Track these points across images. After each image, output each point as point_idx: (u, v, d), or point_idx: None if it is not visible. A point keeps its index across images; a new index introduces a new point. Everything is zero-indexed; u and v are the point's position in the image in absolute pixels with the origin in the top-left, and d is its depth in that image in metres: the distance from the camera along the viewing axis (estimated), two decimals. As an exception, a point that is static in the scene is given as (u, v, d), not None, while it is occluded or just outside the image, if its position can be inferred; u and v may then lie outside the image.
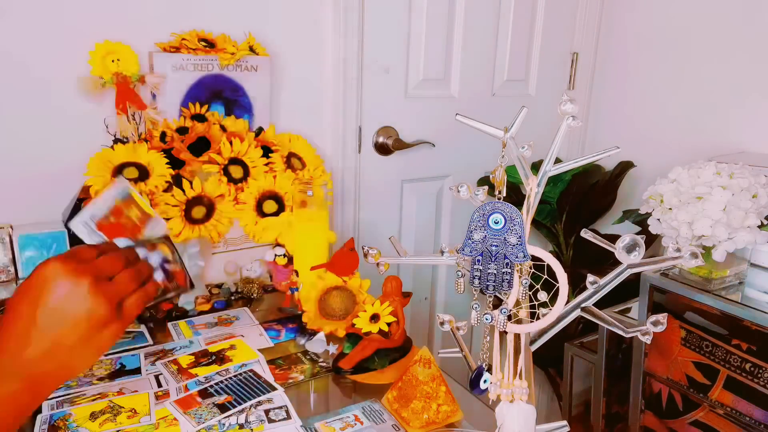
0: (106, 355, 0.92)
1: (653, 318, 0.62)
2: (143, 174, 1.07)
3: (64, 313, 0.55)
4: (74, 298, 0.55)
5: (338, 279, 1.02)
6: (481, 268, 0.60)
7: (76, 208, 1.08)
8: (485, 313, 0.62)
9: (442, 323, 0.69)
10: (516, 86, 1.79)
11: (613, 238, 0.63)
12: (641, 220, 1.46)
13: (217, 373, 0.88)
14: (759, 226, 1.11)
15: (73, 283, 0.55)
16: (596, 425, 1.51)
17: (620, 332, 0.64)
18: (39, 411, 0.77)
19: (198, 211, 1.11)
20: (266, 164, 1.22)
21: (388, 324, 0.90)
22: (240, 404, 0.79)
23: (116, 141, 1.15)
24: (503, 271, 0.59)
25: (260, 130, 1.30)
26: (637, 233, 0.66)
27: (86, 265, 0.57)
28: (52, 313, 0.54)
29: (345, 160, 1.51)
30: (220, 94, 1.23)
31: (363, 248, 0.68)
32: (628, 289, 1.15)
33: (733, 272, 1.20)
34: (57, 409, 0.78)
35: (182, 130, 1.16)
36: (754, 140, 1.54)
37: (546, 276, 0.62)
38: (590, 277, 0.64)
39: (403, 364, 0.92)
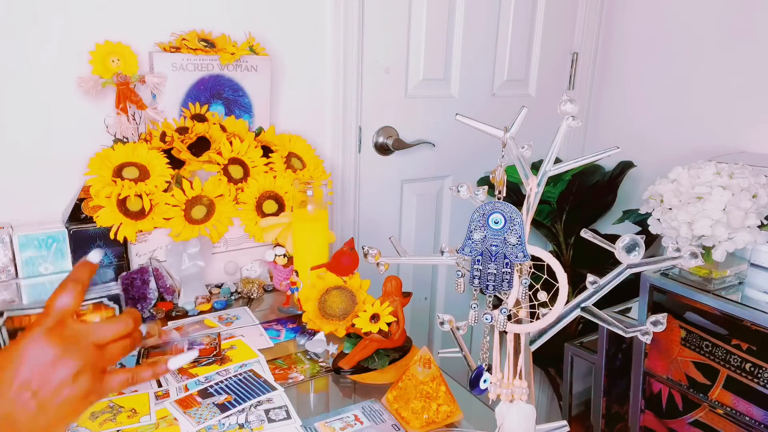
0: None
1: (653, 318, 0.62)
2: (143, 174, 1.07)
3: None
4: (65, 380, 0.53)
5: (338, 279, 1.02)
6: (481, 268, 0.60)
7: (76, 208, 1.08)
8: (485, 313, 0.62)
9: (442, 323, 0.69)
10: (516, 86, 1.79)
11: (613, 238, 0.63)
12: (641, 220, 1.46)
13: (217, 373, 0.88)
14: (759, 226, 1.11)
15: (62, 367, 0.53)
16: (596, 425, 1.51)
17: (620, 332, 0.64)
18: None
19: (198, 211, 1.11)
20: (266, 164, 1.22)
21: (388, 324, 0.90)
22: (240, 404, 0.79)
23: (116, 141, 1.15)
24: (503, 271, 0.59)
25: (260, 130, 1.30)
26: (637, 233, 0.66)
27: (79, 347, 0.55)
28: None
29: (345, 160, 1.51)
30: (220, 94, 1.23)
31: (363, 248, 0.68)
32: (628, 289, 1.15)
33: (733, 272, 1.20)
34: (57, 409, 0.78)
35: (182, 130, 1.16)
36: (754, 140, 1.54)
37: (546, 276, 0.62)
38: (590, 277, 0.64)
39: (403, 364, 0.92)
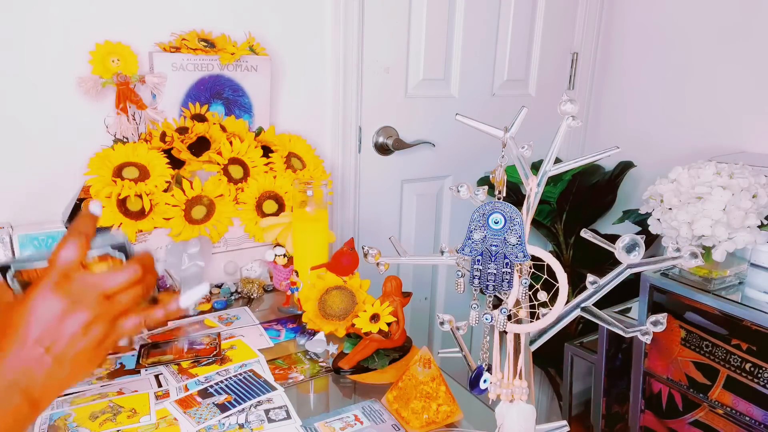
0: (106, 355, 0.92)
1: (653, 318, 0.62)
2: (143, 174, 1.07)
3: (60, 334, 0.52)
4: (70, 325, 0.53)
5: (338, 279, 1.02)
6: (480, 268, 0.60)
7: (76, 208, 1.08)
8: (485, 313, 0.62)
9: (442, 323, 0.69)
10: (516, 86, 1.79)
11: (613, 238, 0.63)
12: (641, 220, 1.46)
13: (217, 373, 0.88)
14: (759, 226, 1.11)
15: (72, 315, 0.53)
16: (596, 425, 1.51)
17: (620, 332, 0.64)
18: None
19: (198, 211, 1.11)
20: (266, 164, 1.22)
21: (388, 324, 0.90)
22: (240, 404, 0.79)
23: (116, 141, 1.15)
24: (503, 271, 0.59)
25: (260, 130, 1.30)
26: (637, 233, 0.66)
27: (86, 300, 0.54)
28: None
29: (345, 160, 1.51)
30: (220, 94, 1.23)
31: (363, 248, 0.68)
32: (628, 289, 1.15)
33: (733, 272, 1.20)
34: (57, 409, 0.78)
35: (182, 130, 1.16)
36: (754, 140, 1.54)
37: (546, 276, 0.62)
38: (590, 277, 0.64)
39: (403, 364, 0.92)
